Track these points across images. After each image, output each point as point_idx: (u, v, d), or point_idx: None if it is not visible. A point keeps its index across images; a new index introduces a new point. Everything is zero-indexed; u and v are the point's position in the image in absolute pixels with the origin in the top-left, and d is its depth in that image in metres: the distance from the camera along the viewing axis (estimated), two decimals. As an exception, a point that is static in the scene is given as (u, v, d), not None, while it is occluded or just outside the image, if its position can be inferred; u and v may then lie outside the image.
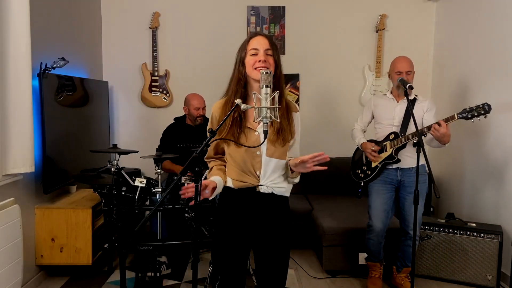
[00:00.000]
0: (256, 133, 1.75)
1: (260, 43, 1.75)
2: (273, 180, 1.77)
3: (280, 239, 1.82)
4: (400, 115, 2.88)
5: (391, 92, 2.98)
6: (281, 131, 1.74)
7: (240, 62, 1.79)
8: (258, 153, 1.75)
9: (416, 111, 2.81)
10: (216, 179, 1.78)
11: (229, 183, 1.82)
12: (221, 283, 1.85)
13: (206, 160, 1.93)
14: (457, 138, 3.84)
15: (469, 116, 2.55)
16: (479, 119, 2.58)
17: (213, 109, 1.85)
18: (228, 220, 1.81)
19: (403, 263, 2.99)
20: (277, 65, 1.77)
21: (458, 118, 2.56)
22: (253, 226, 1.80)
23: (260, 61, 1.71)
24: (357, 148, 3.12)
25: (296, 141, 1.85)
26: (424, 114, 2.86)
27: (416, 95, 2.93)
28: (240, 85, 1.78)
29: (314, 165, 1.63)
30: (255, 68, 1.72)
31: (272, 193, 1.78)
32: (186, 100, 3.62)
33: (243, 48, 1.79)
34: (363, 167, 3.01)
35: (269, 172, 1.76)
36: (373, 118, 3.06)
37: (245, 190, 1.78)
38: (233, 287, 1.83)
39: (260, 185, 1.77)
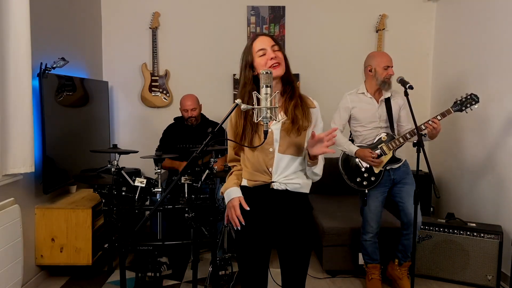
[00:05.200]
0: (270, 129, 1.72)
1: (264, 43, 1.75)
2: (286, 176, 1.76)
3: (300, 238, 1.80)
4: (384, 115, 2.87)
5: (367, 90, 2.90)
6: (296, 119, 1.74)
7: (247, 66, 1.78)
8: (270, 149, 1.75)
9: (393, 108, 2.86)
10: (238, 190, 1.81)
11: (244, 183, 1.82)
12: (244, 284, 1.85)
13: (229, 164, 1.94)
14: (457, 138, 3.85)
15: (463, 108, 2.74)
16: (471, 109, 2.76)
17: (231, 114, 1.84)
18: (247, 220, 1.79)
19: (405, 255, 2.95)
20: (285, 59, 1.78)
21: (454, 112, 2.74)
22: (272, 224, 1.79)
23: (271, 58, 1.71)
24: (346, 155, 2.96)
25: None
26: (400, 112, 2.90)
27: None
28: (246, 90, 1.77)
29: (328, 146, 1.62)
30: (269, 67, 1.70)
31: (286, 189, 1.76)
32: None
33: (248, 52, 1.78)
34: (364, 175, 2.89)
35: (281, 168, 1.75)
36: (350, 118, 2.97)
37: (259, 188, 1.78)
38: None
39: (273, 182, 1.76)
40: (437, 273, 3.16)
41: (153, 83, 4.29)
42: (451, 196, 3.94)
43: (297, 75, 4.34)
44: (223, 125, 1.63)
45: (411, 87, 2.61)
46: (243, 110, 1.61)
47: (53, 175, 3.07)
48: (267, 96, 1.54)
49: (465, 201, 3.71)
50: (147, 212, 3.15)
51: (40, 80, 2.87)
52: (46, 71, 2.90)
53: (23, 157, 2.66)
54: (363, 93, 2.92)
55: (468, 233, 3.08)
